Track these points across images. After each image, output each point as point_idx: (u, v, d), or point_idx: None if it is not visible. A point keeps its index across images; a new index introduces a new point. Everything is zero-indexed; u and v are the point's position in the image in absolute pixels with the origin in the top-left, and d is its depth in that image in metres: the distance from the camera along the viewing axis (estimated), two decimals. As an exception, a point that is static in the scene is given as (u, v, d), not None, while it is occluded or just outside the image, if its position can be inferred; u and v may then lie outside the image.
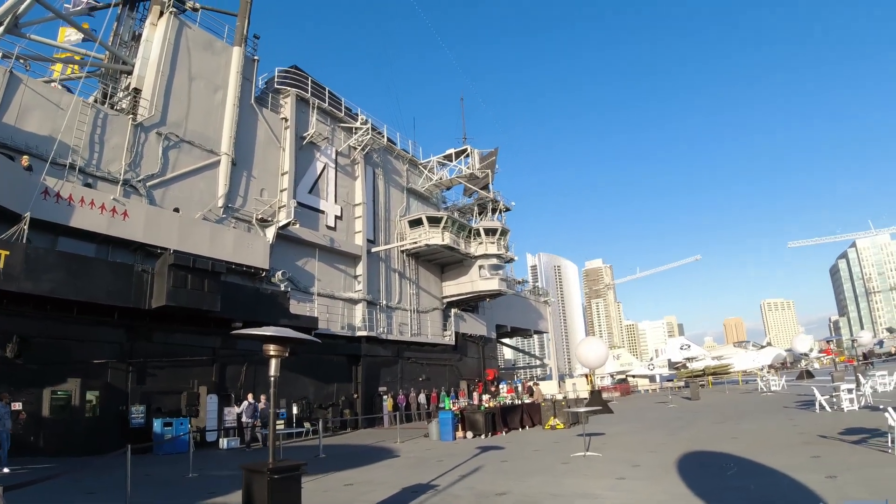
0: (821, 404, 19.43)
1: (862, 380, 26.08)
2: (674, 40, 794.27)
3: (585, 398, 28.28)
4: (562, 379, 57.22)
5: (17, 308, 18.07)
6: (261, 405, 22.26)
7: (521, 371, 74.12)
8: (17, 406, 17.31)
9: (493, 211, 45.94)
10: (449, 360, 39.88)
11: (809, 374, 50.19)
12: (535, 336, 64.91)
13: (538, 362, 74.14)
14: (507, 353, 74.69)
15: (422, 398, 33.73)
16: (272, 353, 6.72)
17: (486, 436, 20.91)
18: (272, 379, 6.85)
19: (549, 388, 50.63)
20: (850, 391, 19.32)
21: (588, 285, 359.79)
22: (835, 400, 19.93)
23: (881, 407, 11.37)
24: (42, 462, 15.86)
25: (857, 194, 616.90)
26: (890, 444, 10.42)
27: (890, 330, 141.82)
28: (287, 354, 6.89)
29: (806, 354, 74.91)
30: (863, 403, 19.71)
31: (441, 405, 28.21)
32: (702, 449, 13.45)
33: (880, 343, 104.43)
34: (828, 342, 77.61)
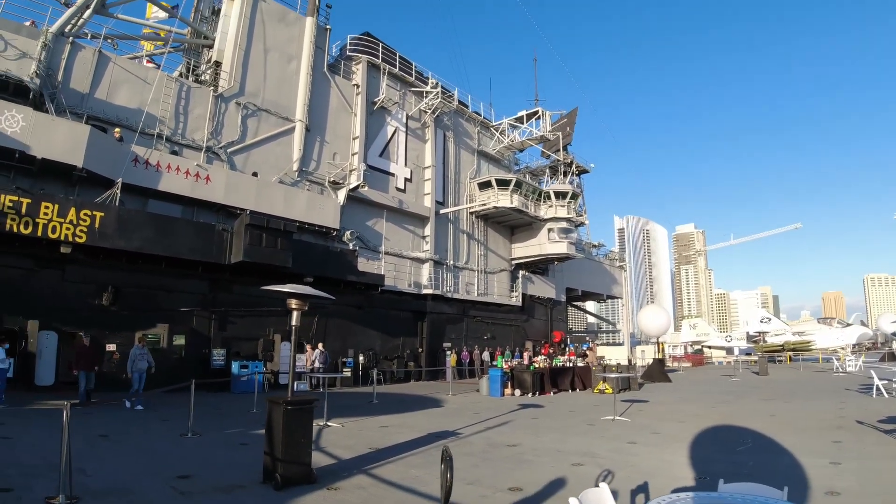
0: (878, 388, 18.76)
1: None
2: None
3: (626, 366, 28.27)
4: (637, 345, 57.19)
5: (112, 262, 20.50)
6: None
7: (594, 335, 74.01)
8: (111, 347, 19.92)
9: (566, 174, 45.93)
10: (515, 321, 40.88)
11: (893, 357, 47.71)
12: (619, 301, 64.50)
13: (610, 327, 73.86)
14: (591, 318, 74.54)
15: (486, 355, 34.94)
16: (293, 306, 7.92)
17: (534, 394, 21.92)
18: (293, 328, 8.05)
19: (618, 354, 51.08)
20: None
21: (678, 251, 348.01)
22: (894, 385, 19.26)
23: None
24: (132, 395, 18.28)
25: None
26: None
27: None
28: (307, 308, 8.05)
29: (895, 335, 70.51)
30: None
31: (494, 363, 29.35)
32: (730, 423, 13.59)
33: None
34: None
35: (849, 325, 70.02)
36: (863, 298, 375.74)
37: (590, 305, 68.91)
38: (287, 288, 7.82)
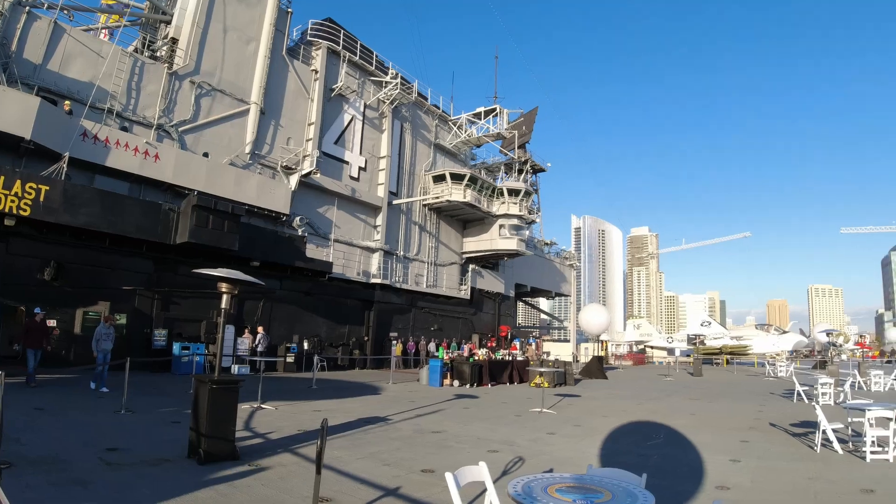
0: (798, 394, 19.45)
1: (858, 376, 26.27)
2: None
3: (562, 362, 28.97)
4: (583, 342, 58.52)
5: (56, 237, 20.29)
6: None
7: (546, 331, 75.19)
8: (52, 323, 19.72)
9: (521, 172, 46.66)
10: (463, 314, 41.52)
11: (824, 365, 49.98)
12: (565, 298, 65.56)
13: (557, 324, 75.22)
14: (543, 315, 75.75)
15: (432, 346, 35.47)
16: (224, 290, 8.18)
17: (472, 386, 22.52)
18: (223, 310, 8.30)
19: (565, 350, 52.27)
20: (824, 385, 18.71)
21: (631, 252, 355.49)
22: (814, 392, 19.48)
23: (845, 405, 11.09)
24: (71, 372, 18.21)
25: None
26: (816, 442, 10.29)
27: None
28: (236, 292, 8.33)
29: (834, 344, 73.62)
30: (840, 399, 19.77)
31: (436, 354, 29.93)
32: (651, 419, 14.16)
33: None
34: (860, 336, 76.56)
35: (785, 332, 73.24)
36: (806, 307, 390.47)
37: (545, 303, 70.16)
38: (217, 272, 8.06)
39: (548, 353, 40.85)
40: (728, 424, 13.65)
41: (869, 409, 9.64)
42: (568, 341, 62.31)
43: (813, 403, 11.61)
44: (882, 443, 9.51)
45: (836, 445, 9.91)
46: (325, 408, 14.12)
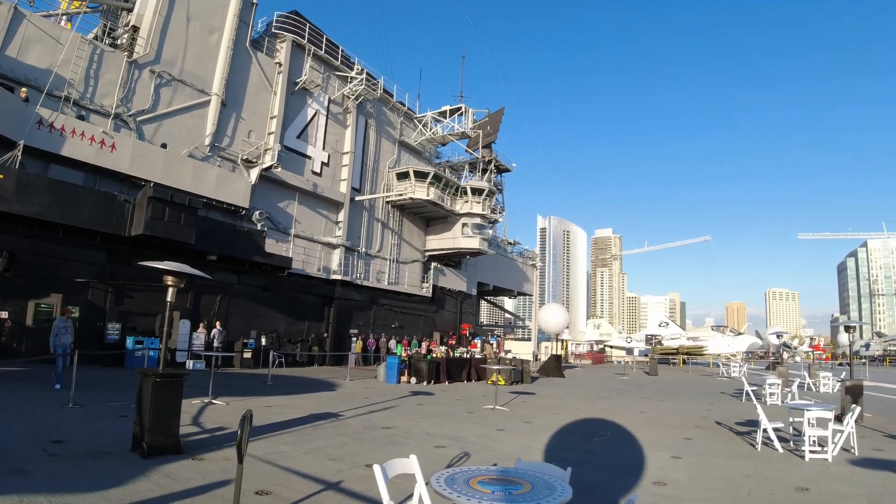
0: (747, 394, 19.16)
1: (808, 378, 27.15)
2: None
3: (519, 360, 29.13)
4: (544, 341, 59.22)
5: (8, 226, 19.78)
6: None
7: (510, 330, 75.91)
8: (3, 315, 19.29)
9: (485, 171, 47.02)
10: (425, 311, 41.69)
11: (776, 366, 51.47)
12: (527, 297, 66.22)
13: (519, 323, 76.01)
14: (507, 314, 76.34)
15: (392, 343, 35.52)
16: (169, 283, 8.17)
17: (429, 383, 22.68)
18: (168, 303, 8.28)
19: (526, 349, 52.86)
20: (772, 385, 19.54)
21: (595, 253, 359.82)
22: (763, 392, 20.01)
23: (786, 404, 11.47)
24: (22, 365, 17.85)
25: (872, 193, 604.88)
26: (757, 440, 10.55)
27: (878, 334, 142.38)
28: (182, 285, 8.33)
29: (787, 346, 75.89)
30: (788, 399, 20.30)
31: (394, 351, 30.01)
32: (601, 417, 14.47)
33: (867, 346, 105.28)
34: (811, 339, 78.91)
35: (740, 333, 75.24)
36: (764, 310, 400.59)
37: (510, 302, 70.64)
38: (162, 265, 8.06)
39: (508, 352, 41.31)
40: (674, 422, 13.93)
41: (808, 410, 9.92)
42: (530, 340, 63.08)
43: (754, 403, 11.88)
44: (822, 442, 9.76)
45: (777, 444, 10.17)
46: (277, 403, 14.11)
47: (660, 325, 65.99)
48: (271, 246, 28.71)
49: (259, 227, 28.45)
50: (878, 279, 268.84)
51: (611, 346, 72.69)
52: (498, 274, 52.38)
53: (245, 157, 28.34)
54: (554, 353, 36.73)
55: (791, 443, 10.52)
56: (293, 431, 10.34)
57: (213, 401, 13.36)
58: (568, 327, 38.23)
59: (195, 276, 8.42)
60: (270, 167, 28.68)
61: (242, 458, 4.04)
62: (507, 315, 76.73)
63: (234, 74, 28.19)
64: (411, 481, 4.18)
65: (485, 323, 68.63)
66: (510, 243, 58.49)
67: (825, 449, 9.53)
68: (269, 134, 29.94)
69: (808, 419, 9.71)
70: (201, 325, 24.29)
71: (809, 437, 9.63)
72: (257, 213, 28.51)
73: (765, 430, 10.34)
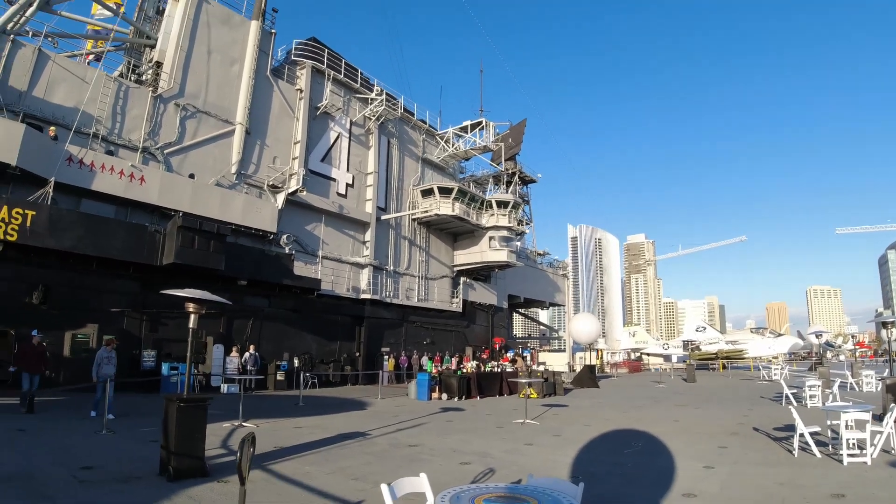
0: (787, 397, 19.15)
1: (850, 377, 26.23)
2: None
3: (551, 372, 28.83)
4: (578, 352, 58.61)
5: (43, 260, 20.49)
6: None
7: (546, 342, 75.29)
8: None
9: (509, 184, 47.01)
10: (456, 327, 41.66)
11: (818, 366, 50.08)
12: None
13: (555, 334, 75.45)
14: (542, 326, 75.92)
15: (424, 360, 35.57)
16: (191, 310, 8.39)
17: (460, 399, 22.65)
18: (191, 330, 8.50)
19: (560, 360, 52.43)
20: (812, 387, 18.90)
21: (628, 260, 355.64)
22: (803, 395, 19.36)
23: (824, 406, 11.07)
24: (60, 394, 18.34)
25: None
26: (794, 446, 10.23)
27: None
28: (203, 312, 8.54)
29: (830, 345, 74.21)
30: (829, 401, 19.53)
31: (424, 367, 30.05)
32: (633, 427, 14.27)
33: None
34: (851, 336, 76.82)
35: (780, 335, 73.48)
36: (806, 309, 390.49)
37: (544, 313, 70.24)
38: (182, 292, 8.28)
39: (542, 364, 41.03)
40: (709, 430, 13.66)
41: (845, 412, 9.59)
42: (565, 351, 62.49)
43: (790, 407, 11.59)
44: (861, 445, 9.46)
45: (815, 449, 9.89)
46: (307, 424, 14.26)
47: (697, 330, 64.93)
48: (300, 268, 29.12)
49: (287, 251, 28.88)
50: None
51: (647, 354, 71.66)
52: (528, 286, 52.11)
53: (271, 182, 28.87)
54: (588, 363, 36.33)
55: (830, 447, 10.24)
56: (320, 452, 10.44)
57: (244, 423, 13.57)
58: (604, 336, 37.93)
59: (225, 303, 8.61)
60: (296, 191, 29.13)
61: (244, 481, 4.10)
62: (541, 327, 76.28)
63: (256, 103, 28.82)
64: (424, 500, 4.18)
65: (518, 336, 68.22)
66: (539, 254, 58.19)
67: (864, 452, 9.23)
68: (294, 159, 30.46)
69: (846, 421, 9.41)
70: (234, 349, 24.64)
71: (847, 440, 9.34)
72: (285, 236, 28.95)
73: (801, 435, 10.07)
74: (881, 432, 9.46)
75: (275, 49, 31.06)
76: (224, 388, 23.81)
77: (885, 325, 17.65)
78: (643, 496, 7.44)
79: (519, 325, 75.31)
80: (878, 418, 10.92)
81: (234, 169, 27.51)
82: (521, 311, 61.41)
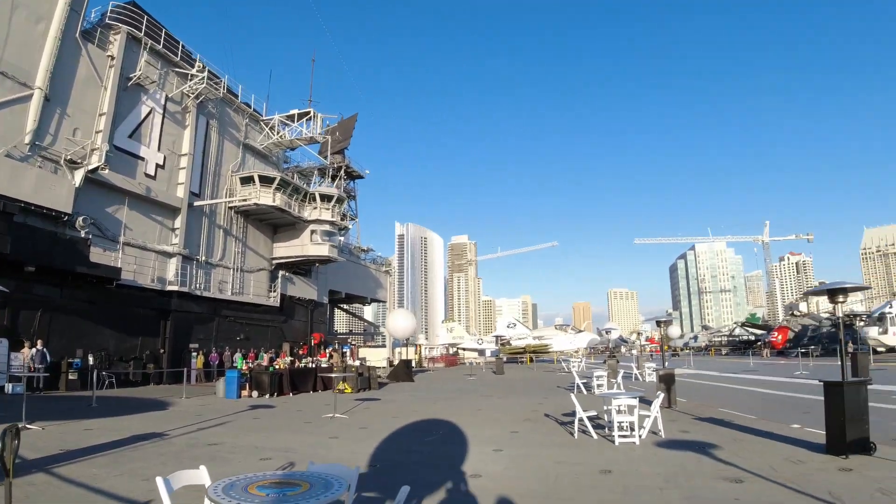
0: (578, 387, 20.91)
1: (635, 369, 29.81)
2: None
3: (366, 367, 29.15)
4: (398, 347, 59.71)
5: None
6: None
7: (370, 337, 75.40)
8: None
9: (335, 177, 46.65)
10: (273, 322, 40.52)
11: (610, 359, 55.68)
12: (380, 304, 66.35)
13: (374, 330, 76.22)
14: (367, 319, 76.02)
15: (238, 357, 34.15)
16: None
17: (272, 396, 22.08)
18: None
19: (381, 356, 53.04)
20: (598, 378, 21.14)
21: (452, 259, 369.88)
22: (592, 384, 21.39)
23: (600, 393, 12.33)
24: None
25: (700, 203, 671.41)
26: (575, 429, 11.30)
27: (705, 327, 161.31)
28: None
29: (625, 340, 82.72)
30: (614, 389, 21.88)
31: (235, 364, 28.96)
32: (438, 417, 14.90)
33: (695, 338, 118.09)
34: (638, 334, 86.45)
35: (581, 331, 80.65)
36: (606, 308, 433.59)
37: (369, 309, 70.37)
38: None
39: (362, 360, 41.21)
40: (507, 417, 14.71)
41: (615, 398, 11.00)
42: (386, 346, 63.37)
43: (572, 395, 12.67)
44: (633, 427, 10.61)
45: (592, 431, 11.06)
46: (99, 426, 13.15)
47: (508, 327, 69.11)
48: (98, 255, 26.56)
49: (83, 235, 26.15)
50: (705, 278, 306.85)
51: (463, 349, 74.86)
52: (350, 281, 52.13)
53: (69, 157, 25.79)
54: (401, 357, 37.16)
55: (606, 430, 11.32)
56: (109, 454, 9.70)
57: (28, 426, 12.30)
58: (426, 332, 38.93)
59: (2, 290, 7.69)
60: (97, 168, 26.26)
61: (9, 473, 3.80)
62: (364, 323, 76.58)
63: (60, 67, 25.61)
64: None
65: (340, 332, 68.00)
66: (363, 250, 58.46)
67: (634, 433, 10.46)
68: (97, 132, 27.43)
69: (617, 406, 10.73)
70: (27, 344, 21.96)
71: (619, 423, 10.59)
72: (81, 218, 26.07)
73: (580, 420, 11.18)
74: (648, 416, 10.81)
75: (88, 9, 27.80)
76: (9, 387, 21.18)
77: (659, 323, 21.31)
78: (438, 480, 7.80)
79: (342, 321, 74.88)
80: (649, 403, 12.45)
81: (27, 139, 24.22)
82: (344, 306, 61.31)
